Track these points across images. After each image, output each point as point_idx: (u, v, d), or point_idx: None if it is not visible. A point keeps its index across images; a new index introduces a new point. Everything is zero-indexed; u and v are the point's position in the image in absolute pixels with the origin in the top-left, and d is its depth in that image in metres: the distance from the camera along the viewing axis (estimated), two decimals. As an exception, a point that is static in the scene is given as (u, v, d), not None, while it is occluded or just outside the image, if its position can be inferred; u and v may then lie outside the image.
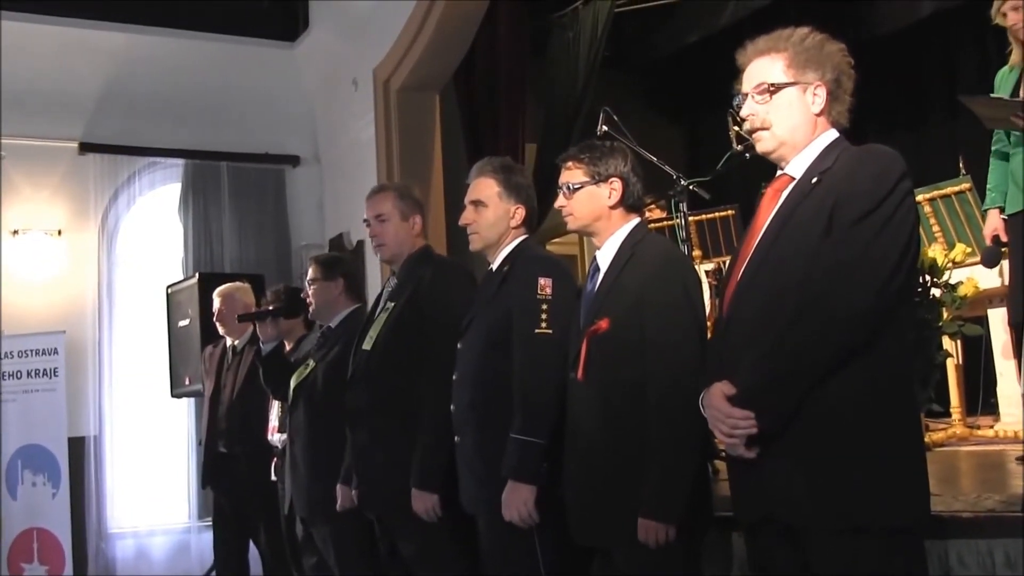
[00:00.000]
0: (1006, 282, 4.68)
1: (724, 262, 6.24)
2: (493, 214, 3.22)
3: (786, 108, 2.37)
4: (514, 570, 2.96)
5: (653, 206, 6.33)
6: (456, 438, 3.15)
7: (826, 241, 2.20)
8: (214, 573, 5.58)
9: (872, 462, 2.16)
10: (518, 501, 2.83)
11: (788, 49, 2.38)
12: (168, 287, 6.95)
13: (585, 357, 2.76)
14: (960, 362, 5.02)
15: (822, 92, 2.35)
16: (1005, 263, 4.30)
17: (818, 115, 2.37)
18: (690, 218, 4.81)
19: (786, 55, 2.37)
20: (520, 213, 3.23)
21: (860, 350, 2.16)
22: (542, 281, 2.98)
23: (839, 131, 2.40)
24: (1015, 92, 3.83)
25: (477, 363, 3.11)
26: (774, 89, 2.36)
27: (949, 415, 5.07)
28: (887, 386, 2.20)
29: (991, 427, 4.98)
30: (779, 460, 2.21)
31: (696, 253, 5.98)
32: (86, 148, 7.19)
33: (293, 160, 7.92)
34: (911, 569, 2.21)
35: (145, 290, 7.40)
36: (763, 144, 2.42)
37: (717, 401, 2.26)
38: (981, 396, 5.43)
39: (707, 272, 6.42)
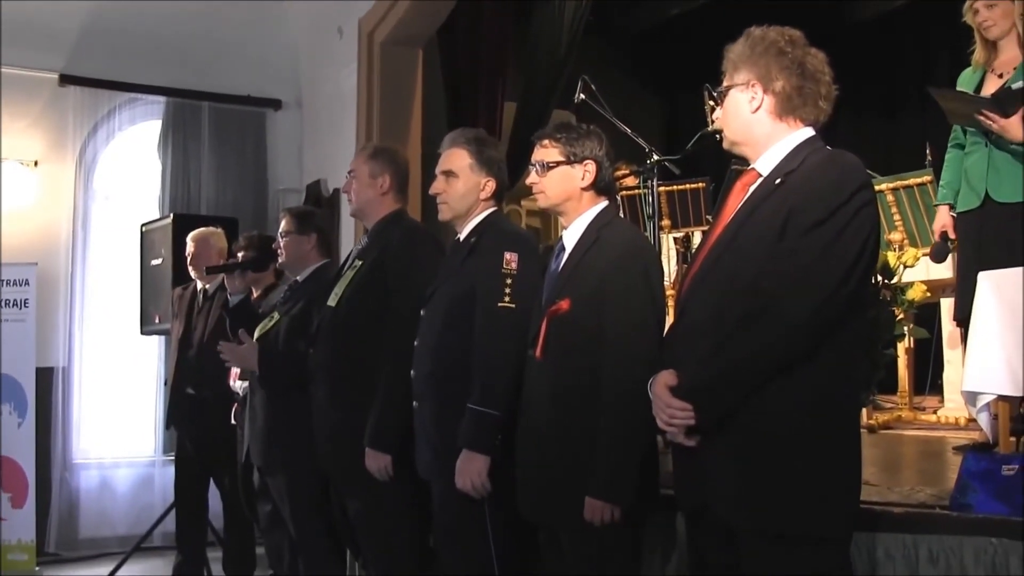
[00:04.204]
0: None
1: (692, 232, 6.37)
2: (464, 186, 3.23)
3: (732, 110, 2.44)
4: (464, 538, 3.02)
5: (628, 174, 6.42)
6: (415, 404, 3.20)
7: (778, 247, 2.22)
8: (174, 511, 5.68)
9: (806, 470, 2.19)
10: (472, 471, 2.89)
11: (730, 55, 2.45)
12: (142, 225, 6.93)
13: (544, 336, 2.79)
14: (910, 345, 5.17)
15: (758, 91, 2.38)
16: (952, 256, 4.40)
17: (756, 112, 2.38)
18: (661, 188, 4.92)
19: (729, 61, 2.45)
20: (490, 186, 3.25)
21: (804, 358, 2.18)
22: (508, 255, 3.02)
23: (817, 128, 2.40)
24: (977, 93, 3.90)
25: (439, 333, 3.15)
26: (721, 94, 2.46)
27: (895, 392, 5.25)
28: (828, 395, 2.22)
29: (935, 411, 5.16)
30: (717, 454, 2.26)
31: (665, 223, 6.07)
32: (67, 80, 7.09)
33: (275, 104, 7.85)
34: None
35: (119, 226, 7.37)
36: (724, 143, 2.52)
37: (659, 390, 2.32)
38: (930, 375, 5.61)
39: (675, 239, 6.56)
